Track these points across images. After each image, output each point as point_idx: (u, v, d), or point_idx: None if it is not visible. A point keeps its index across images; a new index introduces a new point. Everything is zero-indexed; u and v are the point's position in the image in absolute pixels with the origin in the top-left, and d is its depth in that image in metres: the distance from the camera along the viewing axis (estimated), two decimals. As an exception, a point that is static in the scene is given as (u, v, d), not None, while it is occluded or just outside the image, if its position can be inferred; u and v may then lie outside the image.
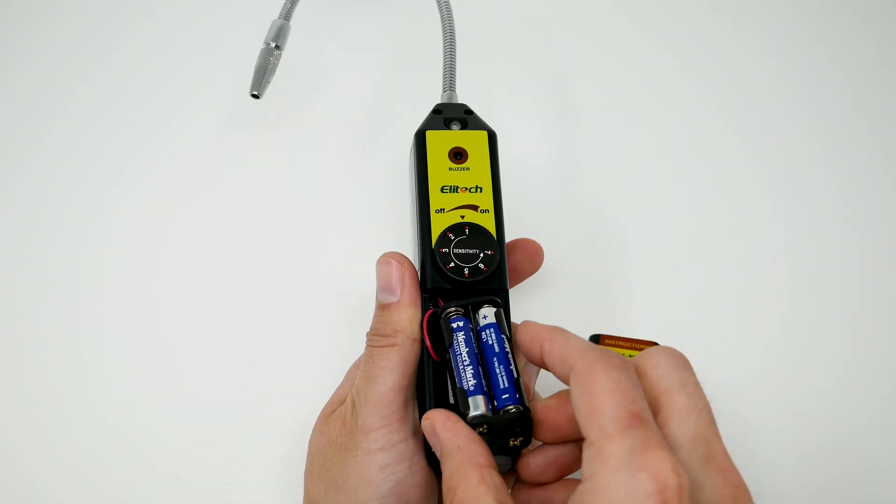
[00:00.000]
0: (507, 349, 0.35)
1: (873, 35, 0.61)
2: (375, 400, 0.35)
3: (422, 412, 0.36)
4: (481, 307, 0.36)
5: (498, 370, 0.34)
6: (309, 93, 0.57)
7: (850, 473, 0.45)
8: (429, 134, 0.39)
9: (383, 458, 0.34)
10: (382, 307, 0.37)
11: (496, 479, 0.30)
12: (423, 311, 0.37)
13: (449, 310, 0.36)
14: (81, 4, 0.60)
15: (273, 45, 0.47)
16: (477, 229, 0.37)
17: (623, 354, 0.47)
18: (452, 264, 0.36)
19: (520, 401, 0.33)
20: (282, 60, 0.48)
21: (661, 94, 0.58)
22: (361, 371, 0.37)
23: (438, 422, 0.32)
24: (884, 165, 0.55)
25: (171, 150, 0.55)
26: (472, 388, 0.33)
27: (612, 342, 0.47)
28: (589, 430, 0.28)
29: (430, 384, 0.36)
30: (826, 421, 0.46)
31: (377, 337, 0.36)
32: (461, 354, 0.34)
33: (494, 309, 0.36)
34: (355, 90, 0.57)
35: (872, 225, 0.53)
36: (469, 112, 0.41)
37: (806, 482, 0.44)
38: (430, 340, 0.36)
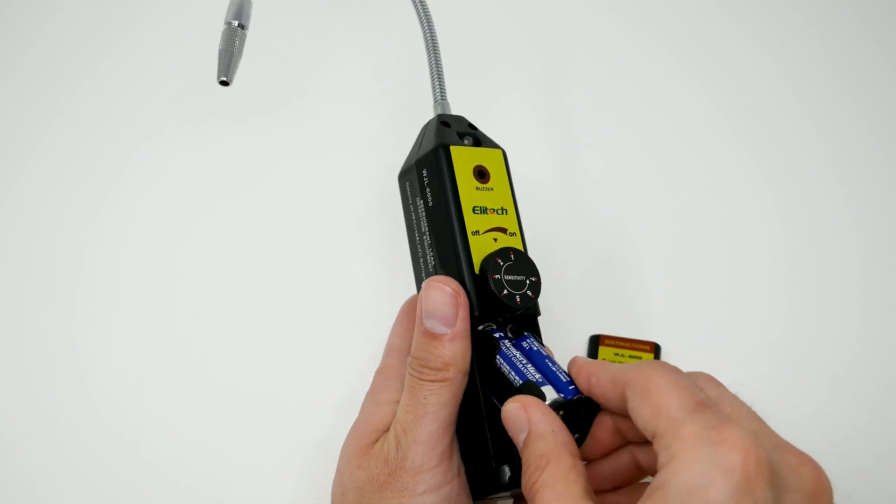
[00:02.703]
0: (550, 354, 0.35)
1: (874, 34, 0.61)
2: (425, 439, 0.33)
3: (470, 438, 0.35)
4: (507, 326, 0.36)
5: (554, 368, 0.34)
6: (301, 90, 0.56)
7: (853, 473, 0.45)
8: (453, 149, 0.37)
9: (430, 500, 0.33)
10: (432, 337, 0.34)
11: (584, 471, 0.30)
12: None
13: (485, 327, 0.35)
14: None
15: (236, 23, 0.43)
16: (520, 255, 0.36)
17: (623, 354, 0.47)
18: (506, 292, 0.35)
19: (581, 392, 0.33)
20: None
21: (659, 94, 0.58)
22: (407, 405, 0.34)
23: (532, 404, 0.31)
24: (886, 164, 0.55)
25: (169, 154, 0.55)
26: (540, 380, 0.33)
27: (613, 342, 0.47)
28: (657, 425, 0.28)
29: (483, 401, 0.34)
30: (828, 421, 0.46)
31: (427, 370, 0.34)
32: (515, 356, 0.34)
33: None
34: (343, 92, 0.56)
35: (876, 224, 0.53)
36: (473, 126, 0.39)
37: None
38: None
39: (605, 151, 0.56)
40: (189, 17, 0.59)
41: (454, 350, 0.34)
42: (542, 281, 0.36)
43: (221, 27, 0.44)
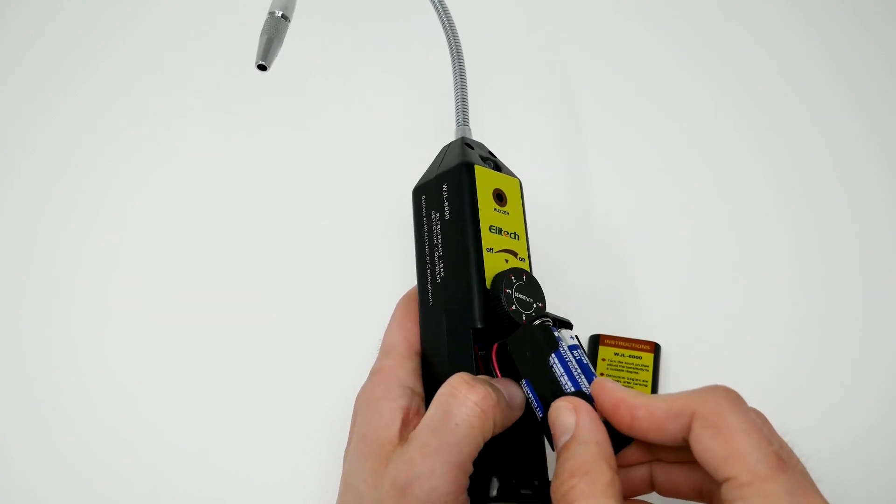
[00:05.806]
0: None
1: (876, 34, 0.61)
2: (444, 470, 0.31)
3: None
4: (560, 329, 0.35)
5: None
6: (319, 102, 0.57)
7: (854, 473, 0.45)
8: (477, 169, 0.37)
9: None
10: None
11: (621, 489, 0.29)
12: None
13: (543, 321, 0.35)
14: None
15: (279, 13, 0.42)
16: (531, 279, 0.36)
17: (623, 354, 0.47)
18: (515, 307, 0.35)
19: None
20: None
21: (660, 95, 0.58)
22: (432, 427, 0.32)
23: (584, 407, 0.31)
24: (888, 164, 0.55)
25: (169, 156, 0.55)
26: (590, 395, 0.32)
27: (613, 342, 0.47)
28: (733, 471, 0.28)
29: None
30: (829, 421, 0.46)
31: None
32: (571, 360, 0.33)
33: (573, 332, 0.35)
34: (366, 104, 0.57)
35: (877, 224, 0.53)
36: (492, 154, 0.40)
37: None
38: (500, 368, 0.34)
39: (607, 152, 0.56)
40: (193, 16, 0.60)
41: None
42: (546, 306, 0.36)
43: (264, 16, 0.44)
